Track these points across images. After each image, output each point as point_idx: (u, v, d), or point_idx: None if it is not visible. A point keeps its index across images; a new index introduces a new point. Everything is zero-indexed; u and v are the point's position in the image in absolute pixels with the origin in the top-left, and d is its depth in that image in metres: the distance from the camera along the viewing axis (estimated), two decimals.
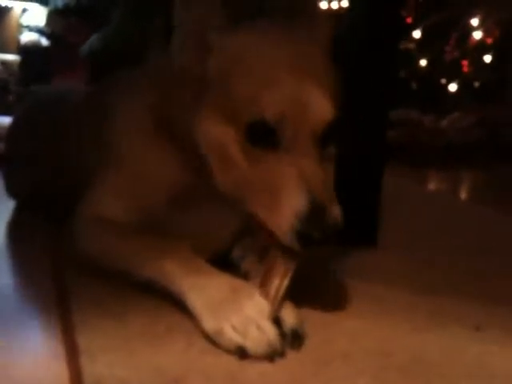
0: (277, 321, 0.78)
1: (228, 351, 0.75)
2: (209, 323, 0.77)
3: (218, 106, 0.85)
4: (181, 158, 0.94)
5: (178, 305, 0.84)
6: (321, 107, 0.82)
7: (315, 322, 0.86)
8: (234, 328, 0.75)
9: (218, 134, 0.85)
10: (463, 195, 2.41)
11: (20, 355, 0.75)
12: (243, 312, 0.76)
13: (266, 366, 0.72)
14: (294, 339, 0.78)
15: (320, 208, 0.77)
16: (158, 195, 0.98)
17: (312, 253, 0.80)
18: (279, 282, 0.81)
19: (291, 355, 0.75)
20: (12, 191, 1.55)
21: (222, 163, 0.87)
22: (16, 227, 1.43)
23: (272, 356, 0.73)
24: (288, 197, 0.78)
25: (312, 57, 0.86)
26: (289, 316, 0.80)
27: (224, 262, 0.94)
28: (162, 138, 0.96)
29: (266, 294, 0.79)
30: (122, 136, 1.02)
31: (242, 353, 0.74)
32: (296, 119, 0.80)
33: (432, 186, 2.58)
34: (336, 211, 0.78)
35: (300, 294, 0.85)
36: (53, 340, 0.78)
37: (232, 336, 0.74)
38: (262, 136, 0.81)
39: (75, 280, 0.98)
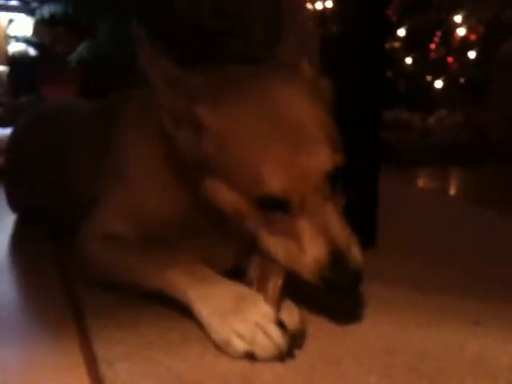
0: (279, 322, 0.80)
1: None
2: (216, 333, 0.80)
3: (223, 178, 0.86)
4: (186, 191, 0.96)
5: (189, 312, 0.86)
6: (322, 162, 0.83)
7: (321, 323, 0.89)
8: (240, 337, 0.78)
9: (228, 201, 0.87)
10: (453, 194, 2.44)
11: (39, 367, 0.77)
12: (249, 320, 0.79)
13: (280, 369, 0.75)
14: (293, 339, 0.80)
15: (340, 256, 0.81)
16: (159, 221, 1.00)
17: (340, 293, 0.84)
18: (274, 283, 0.84)
19: (302, 357, 0.79)
20: (13, 204, 1.57)
21: (237, 219, 0.89)
22: (19, 240, 1.44)
23: (280, 358, 0.77)
24: (308, 251, 0.82)
25: (303, 108, 0.86)
26: (288, 318, 0.82)
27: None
28: (169, 171, 0.98)
29: (264, 297, 0.82)
30: (131, 162, 1.04)
31: (251, 358, 0.77)
32: (301, 184, 0.82)
33: (422, 185, 2.62)
34: (356, 254, 0.83)
35: (304, 297, 0.88)
36: (71, 351, 0.81)
37: (239, 345, 0.77)
38: (273, 205, 0.83)
39: (86, 292, 1.01)
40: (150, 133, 1.00)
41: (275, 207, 0.83)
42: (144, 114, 1.03)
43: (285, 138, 0.82)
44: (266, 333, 0.77)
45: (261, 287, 0.85)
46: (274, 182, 0.81)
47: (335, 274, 0.81)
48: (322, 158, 0.83)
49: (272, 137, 0.83)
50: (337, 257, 0.81)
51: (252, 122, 0.84)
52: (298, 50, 0.94)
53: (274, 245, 0.86)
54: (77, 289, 1.04)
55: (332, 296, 0.85)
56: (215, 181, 0.87)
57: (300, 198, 0.82)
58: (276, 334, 0.78)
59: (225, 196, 0.87)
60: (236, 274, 0.93)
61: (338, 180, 0.86)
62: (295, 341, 0.81)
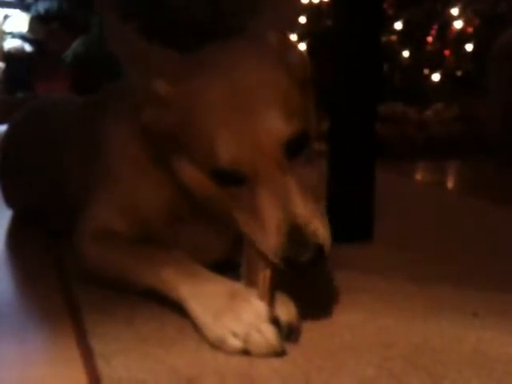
0: (274, 318, 0.79)
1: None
2: (210, 332, 0.79)
3: (186, 154, 0.87)
4: (171, 178, 0.95)
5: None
6: (275, 131, 0.81)
7: (318, 316, 0.89)
8: (234, 335, 0.77)
9: (193, 180, 0.87)
10: (450, 187, 2.45)
11: (37, 363, 0.77)
12: (242, 318, 0.78)
13: (277, 363, 0.75)
14: (289, 334, 0.80)
15: (298, 233, 0.79)
16: (151, 213, 1.01)
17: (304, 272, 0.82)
18: (263, 275, 0.83)
19: (299, 350, 0.78)
20: (8, 201, 1.56)
21: (205, 201, 0.89)
22: (15, 236, 1.45)
23: (275, 355, 0.76)
24: (266, 227, 0.81)
25: (260, 79, 0.84)
26: (283, 312, 0.82)
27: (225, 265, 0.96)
28: (152, 160, 0.98)
29: (257, 292, 0.82)
30: (115, 156, 1.04)
31: (246, 354, 0.77)
32: (253, 154, 0.81)
33: (419, 178, 2.62)
34: (317, 228, 0.80)
35: (299, 290, 0.88)
36: (68, 346, 0.81)
37: (234, 343, 0.77)
38: (228, 178, 0.83)
39: (82, 287, 1.01)
40: (132, 125, 0.99)
41: (232, 181, 0.83)
42: (126, 106, 1.03)
43: (239, 108, 0.81)
44: (259, 331, 0.77)
45: (250, 282, 0.84)
46: (224, 152, 0.81)
47: (294, 252, 0.79)
48: (275, 127, 0.81)
49: (226, 108, 0.82)
50: (295, 234, 0.79)
51: (208, 93, 0.84)
52: (271, 22, 0.93)
53: (245, 224, 0.85)
54: (73, 284, 1.03)
55: (296, 276, 0.83)
56: (181, 159, 0.88)
57: (253, 169, 0.81)
58: (270, 332, 0.77)
59: (190, 174, 0.87)
60: (230, 266, 0.93)
61: (300, 152, 0.85)
62: (291, 336, 0.80)
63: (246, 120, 0.81)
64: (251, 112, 0.81)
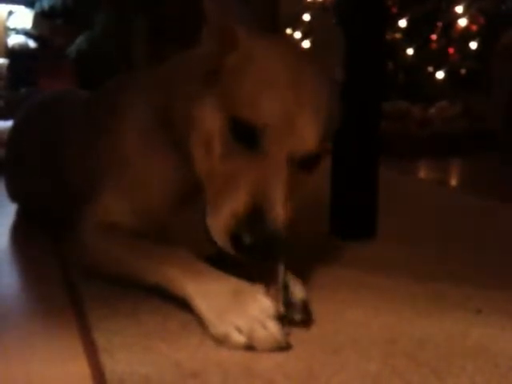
0: (279, 315, 0.80)
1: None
2: (215, 328, 0.79)
3: (221, 97, 0.87)
4: (182, 160, 0.96)
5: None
6: (306, 137, 0.84)
7: (321, 312, 0.89)
8: (239, 330, 0.77)
9: (208, 119, 0.87)
10: (453, 184, 2.44)
11: (41, 357, 0.77)
12: (247, 314, 0.78)
13: (280, 357, 0.75)
14: (303, 311, 0.82)
15: (258, 213, 0.79)
16: (159, 198, 1.01)
17: (249, 258, 0.81)
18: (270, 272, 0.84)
19: (303, 345, 0.79)
20: (12, 196, 1.57)
21: (203, 150, 0.89)
22: (20, 230, 1.45)
23: (279, 350, 0.77)
24: (230, 196, 0.81)
25: (318, 88, 0.88)
26: (298, 289, 0.83)
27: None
28: (164, 143, 0.99)
29: (265, 290, 0.82)
30: (123, 142, 1.04)
31: (251, 349, 0.77)
32: (279, 136, 0.82)
33: (422, 176, 2.62)
34: (276, 220, 0.79)
35: (305, 285, 0.88)
36: (71, 341, 0.81)
37: (239, 339, 0.77)
38: (245, 134, 0.83)
39: (85, 282, 1.01)
40: (139, 112, 1.00)
41: (245, 137, 0.83)
42: (135, 98, 1.04)
43: (295, 93, 0.84)
44: (264, 327, 0.77)
45: (260, 278, 0.84)
46: (263, 111, 0.82)
47: (245, 229, 0.79)
48: (310, 134, 0.84)
49: (286, 84, 0.85)
50: (253, 214, 0.79)
51: (276, 62, 0.87)
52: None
53: (213, 194, 0.85)
54: (77, 280, 1.03)
55: (243, 263, 0.83)
56: (209, 100, 0.88)
57: (271, 144, 0.82)
58: (274, 328, 0.77)
59: (210, 114, 0.87)
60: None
61: (308, 167, 0.87)
62: (303, 312, 0.82)
63: (295, 109, 0.83)
64: (302, 107, 0.84)
